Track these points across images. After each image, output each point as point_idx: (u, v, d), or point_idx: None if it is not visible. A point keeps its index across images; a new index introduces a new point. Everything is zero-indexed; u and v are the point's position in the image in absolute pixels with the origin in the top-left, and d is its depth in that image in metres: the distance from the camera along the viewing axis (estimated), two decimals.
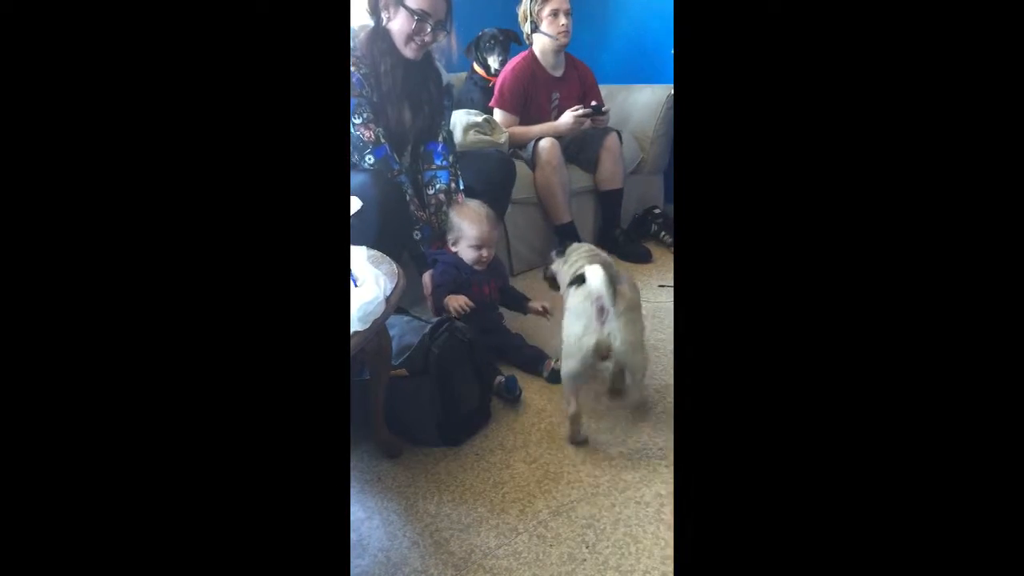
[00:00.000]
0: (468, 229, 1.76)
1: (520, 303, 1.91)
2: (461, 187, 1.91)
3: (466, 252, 1.78)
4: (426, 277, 1.82)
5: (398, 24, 1.71)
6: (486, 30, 2.71)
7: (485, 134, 2.35)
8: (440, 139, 1.90)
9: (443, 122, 1.93)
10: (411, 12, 1.68)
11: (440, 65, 1.90)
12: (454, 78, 2.83)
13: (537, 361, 1.74)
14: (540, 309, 1.85)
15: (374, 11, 1.73)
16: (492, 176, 2.00)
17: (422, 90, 1.84)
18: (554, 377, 1.69)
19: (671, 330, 1.96)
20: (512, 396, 1.61)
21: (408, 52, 1.74)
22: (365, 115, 1.71)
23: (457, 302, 1.70)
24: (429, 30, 1.72)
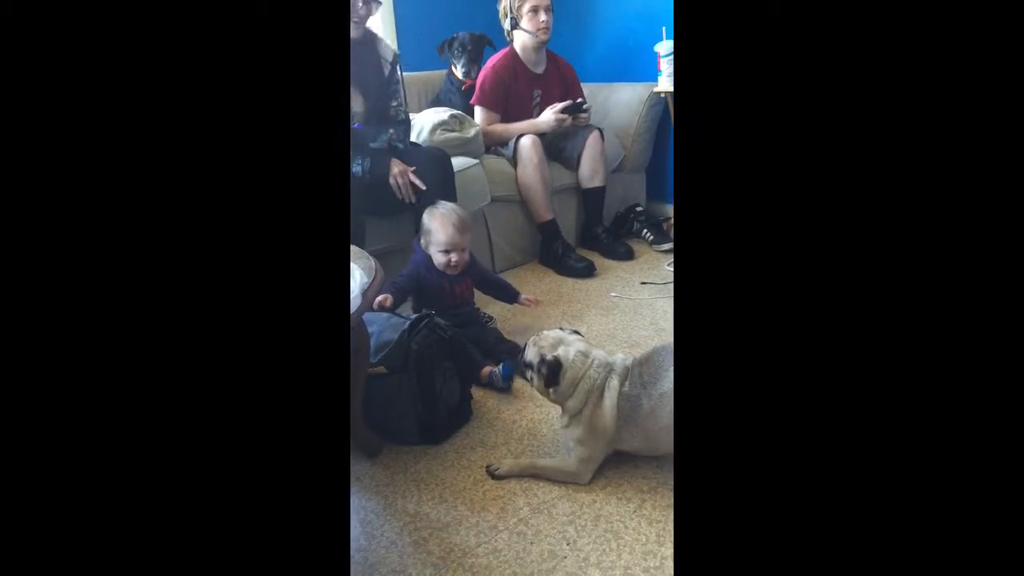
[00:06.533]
0: (436, 233, 1.74)
1: (510, 294, 1.93)
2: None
3: (436, 256, 1.76)
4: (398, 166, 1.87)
5: None
6: (459, 34, 2.67)
7: (452, 130, 2.30)
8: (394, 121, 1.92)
9: (396, 103, 1.93)
10: None
11: (386, 42, 1.92)
12: (436, 75, 2.82)
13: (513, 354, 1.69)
14: (529, 302, 1.92)
15: None
16: (432, 176, 1.94)
17: (368, 74, 1.85)
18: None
19: (652, 326, 1.96)
20: (506, 385, 1.59)
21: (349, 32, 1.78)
22: None
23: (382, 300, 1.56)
24: (361, 4, 1.74)
